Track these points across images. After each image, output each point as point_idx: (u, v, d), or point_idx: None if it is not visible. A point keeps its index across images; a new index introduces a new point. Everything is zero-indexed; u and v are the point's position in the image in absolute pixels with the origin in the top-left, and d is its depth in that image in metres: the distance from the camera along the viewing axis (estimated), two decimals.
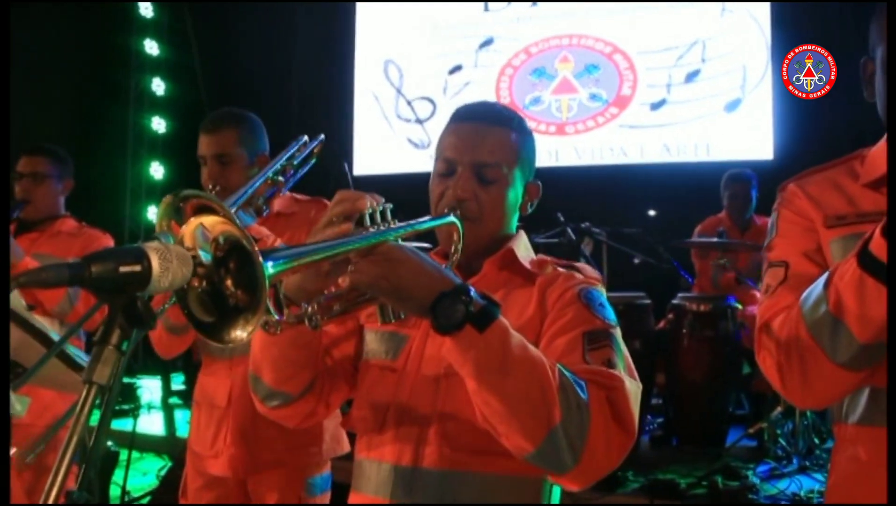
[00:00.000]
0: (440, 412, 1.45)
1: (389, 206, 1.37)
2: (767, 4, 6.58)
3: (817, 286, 1.29)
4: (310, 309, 1.30)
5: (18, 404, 0.77)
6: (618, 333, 1.44)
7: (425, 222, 1.46)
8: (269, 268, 1.01)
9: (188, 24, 8.61)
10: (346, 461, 2.29)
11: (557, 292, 1.49)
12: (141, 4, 8.71)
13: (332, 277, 1.33)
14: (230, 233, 1.00)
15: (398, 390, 1.50)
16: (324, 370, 1.57)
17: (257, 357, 1.51)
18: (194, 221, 1.01)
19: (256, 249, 0.97)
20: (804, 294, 1.32)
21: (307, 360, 1.49)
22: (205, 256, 1.01)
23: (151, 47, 8.78)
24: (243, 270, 1.01)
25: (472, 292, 1.23)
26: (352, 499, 1.56)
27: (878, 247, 1.18)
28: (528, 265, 1.58)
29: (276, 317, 1.26)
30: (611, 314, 1.47)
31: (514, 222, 1.64)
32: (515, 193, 1.59)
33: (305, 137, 2.45)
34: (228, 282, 1.03)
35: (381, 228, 1.32)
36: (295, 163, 2.40)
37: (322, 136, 2.52)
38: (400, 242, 1.31)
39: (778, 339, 1.35)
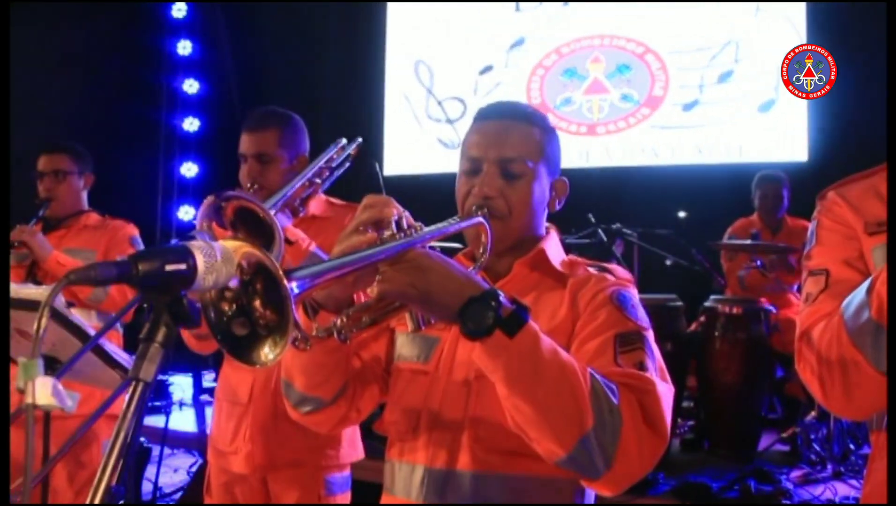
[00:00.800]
0: (473, 415, 1.45)
1: (405, 213, 1.38)
2: (803, 4, 6.50)
3: (859, 293, 1.26)
4: (339, 322, 1.30)
5: (69, 400, 0.78)
6: (650, 334, 1.43)
7: (452, 226, 1.47)
8: (295, 288, 1.01)
9: (220, 25, 8.69)
10: (373, 461, 2.30)
11: (589, 294, 1.48)
12: (174, 5, 8.80)
13: (360, 283, 1.33)
14: (252, 255, 1.00)
15: (430, 393, 1.51)
16: (354, 375, 1.57)
17: (288, 364, 1.51)
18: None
19: (280, 270, 0.97)
20: (845, 301, 1.29)
21: (338, 364, 1.49)
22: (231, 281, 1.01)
23: (184, 47, 8.86)
24: (269, 291, 1.01)
25: (502, 297, 1.23)
26: (384, 501, 1.57)
27: None
28: (559, 267, 1.57)
29: (305, 333, 1.26)
30: (643, 316, 1.46)
31: (543, 220, 1.64)
32: (542, 189, 1.58)
33: (344, 140, 2.46)
34: (256, 303, 1.03)
35: (408, 234, 1.32)
36: (332, 165, 2.42)
37: (360, 138, 2.54)
38: (427, 247, 1.31)
39: (819, 347, 1.32)
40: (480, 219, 1.49)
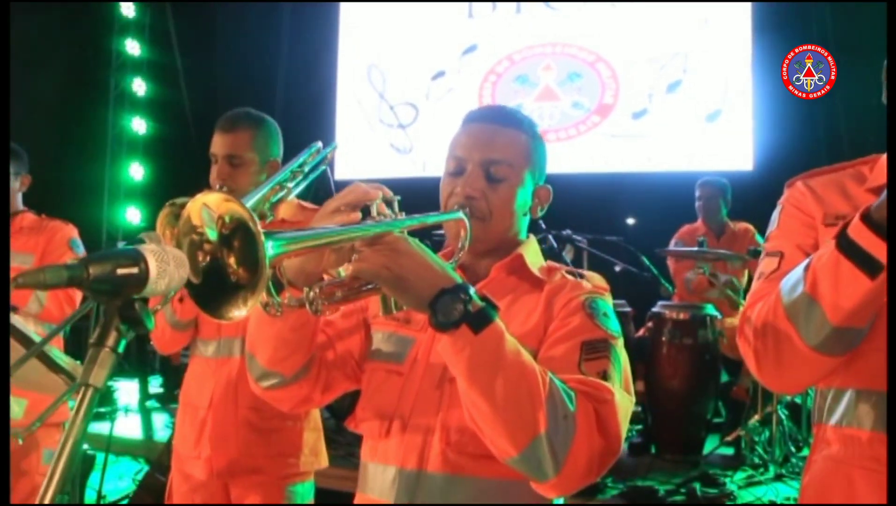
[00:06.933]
0: (444, 417, 1.46)
1: (398, 198, 1.38)
2: (749, 17, 6.66)
3: (797, 270, 1.31)
4: (311, 294, 1.30)
5: (16, 406, 0.77)
6: (619, 344, 1.45)
7: (432, 216, 1.47)
8: (271, 249, 1.02)
9: (170, 25, 8.57)
10: (335, 469, 2.29)
11: (564, 300, 1.49)
12: (122, 4, 8.65)
13: (333, 262, 1.33)
14: (234, 211, 1.01)
15: (403, 394, 1.51)
16: (324, 361, 1.57)
17: (253, 336, 1.51)
18: (199, 200, 1.02)
19: (260, 228, 0.99)
20: (785, 278, 1.34)
21: (301, 342, 1.48)
22: (211, 234, 1.03)
23: (133, 47, 8.72)
24: (246, 248, 1.02)
25: (472, 292, 1.25)
26: (357, 500, 1.58)
27: (857, 231, 1.19)
28: (537, 272, 1.58)
29: (277, 299, 1.28)
30: (614, 325, 1.48)
31: (524, 225, 1.65)
32: (525, 195, 1.60)
33: (319, 144, 2.42)
34: (231, 260, 1.04)
35: (388, 219, 1.33)
36: (305, 169, 2.37)
37: (335, 143, 2.51)
38: (406, 234, 1.32)
39: (756, 320, 1.37)
40: (460, 214, 1.50)
